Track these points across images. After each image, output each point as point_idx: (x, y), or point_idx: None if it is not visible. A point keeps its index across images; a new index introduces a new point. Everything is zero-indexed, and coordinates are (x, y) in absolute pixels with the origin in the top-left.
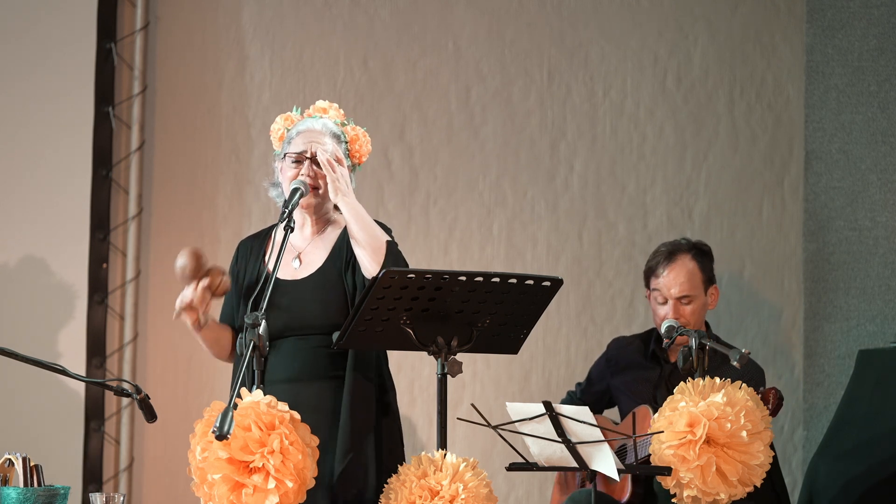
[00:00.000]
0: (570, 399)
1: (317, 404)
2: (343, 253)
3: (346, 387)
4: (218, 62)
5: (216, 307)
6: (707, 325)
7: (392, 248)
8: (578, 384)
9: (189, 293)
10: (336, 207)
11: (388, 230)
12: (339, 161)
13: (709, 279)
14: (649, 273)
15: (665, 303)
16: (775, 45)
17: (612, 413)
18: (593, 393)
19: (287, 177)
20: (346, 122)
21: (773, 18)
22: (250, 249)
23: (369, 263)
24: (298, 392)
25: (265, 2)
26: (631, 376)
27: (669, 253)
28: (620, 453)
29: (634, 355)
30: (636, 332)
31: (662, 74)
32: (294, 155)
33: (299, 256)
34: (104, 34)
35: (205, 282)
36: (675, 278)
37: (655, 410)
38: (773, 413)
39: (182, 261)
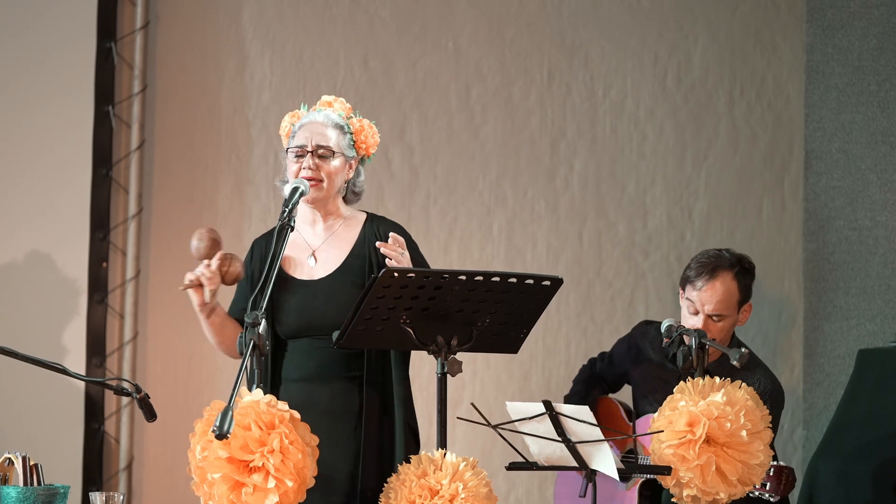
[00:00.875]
0: (591, 369)
1: (330, 405)
2: (365, 254)
3: (395, 389)
4: (218, 62)
5: (224, 297)
6: (733, 334)
7: None
8: (602, 355)
9: (201, 269)
10: (345, 199)
11: (414, 245)
12: (401, 245)
13: (744, 298)
14: (687, 281)
15: (696, 314)
16: (775, 45)
17: (626, 396)
18: (615, 375)
19: (291, 172)
20: (351, 116)
21: (774, 18)
22: (264, 248)
23: None
24: (312, 392)
25: (265, 2)
26: (649, 373)
27: (713, 268)
28: (629, 461)
29: (656, 352)
30: None
31: (662, 74)
32: (296, 149)
33: (314, 254)
34: (104, 34)
35: (216, 261)
36: (711, 296)
37: None
38: (784, 493)
39: (197, 242)
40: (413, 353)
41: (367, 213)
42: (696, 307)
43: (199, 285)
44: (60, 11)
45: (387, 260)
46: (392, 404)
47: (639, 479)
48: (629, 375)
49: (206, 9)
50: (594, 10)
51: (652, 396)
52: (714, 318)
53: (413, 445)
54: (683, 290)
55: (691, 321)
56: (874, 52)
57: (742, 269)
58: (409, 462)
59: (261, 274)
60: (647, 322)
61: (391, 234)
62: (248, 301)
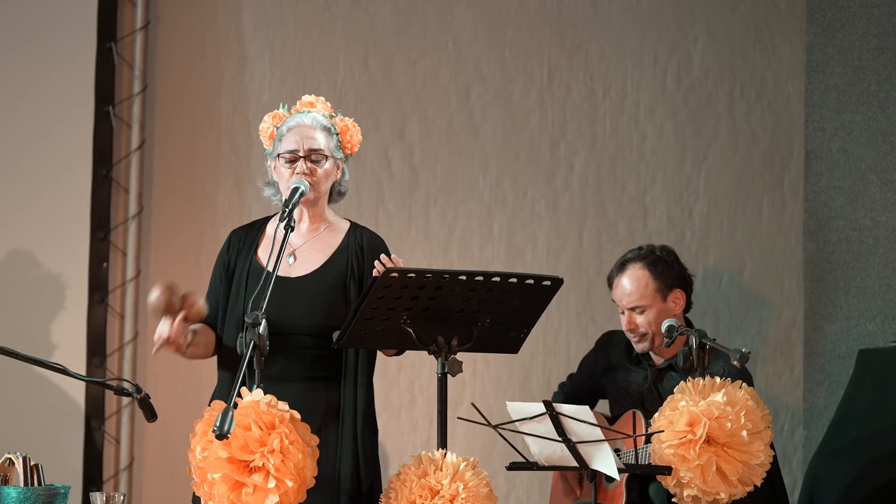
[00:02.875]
0: (561, 392)
1: (294, 405)
2: (346, 260)
3: (347, 391)
4: (218, 62)
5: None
6: (689, 322)
7: None
8: (570, 376)
9: (165, 329)
10: (329, 198)
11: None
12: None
13: (667, 285)
14: (608, 284)
15: (623, 313)
16: (775, 45)
17: (603, 407)
18: (585, 388)
19: (283, 176)
20: (334, 114)
21: (773, 18)
22: (242, 240)
23: None
24: (280, 392)
25: (265, 2)
26: (618, 378)
27: (621, 264)
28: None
29: (621, 356)
30: None
31: (662, 74)
32: (287, 154)
33: (294, 253)
34: (104, 34)
35: (181, 315)
36: (622, 289)
37: (645, 414)
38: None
39: (154, 296)
40: (413, 353)
41: (350, 221)
42: (619, 305)
43: (169, 343)
44: (60, 11)
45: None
46: (354, 406)
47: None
48: (602, 387)
49: (206, 9)
50: (594, 10)
51: (625, 397)
52: (635, 310)
53: (375, 448)
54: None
55: (622, 321)
56: (874, 52)
57: (654, 259)
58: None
59: (237, 266)
60: (609, 332)
61: (393, 256)
62: (221, 298)
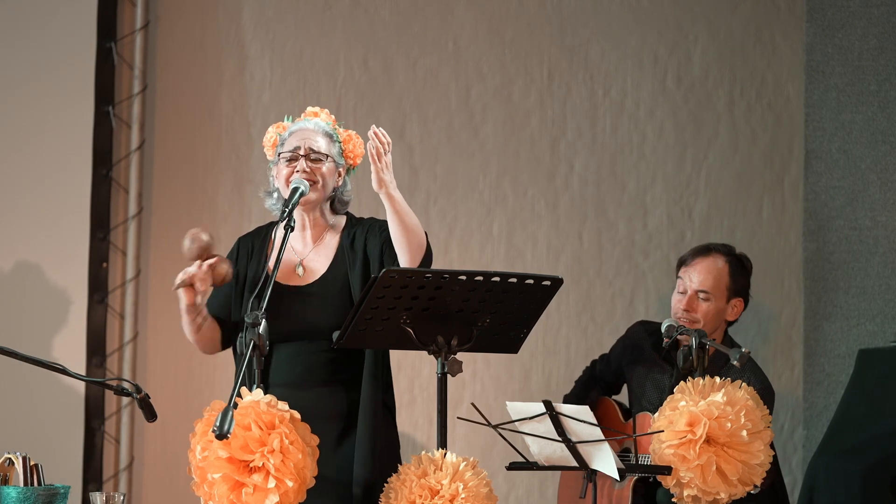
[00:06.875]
0: (591, 370)
1: (317, 408)
2: (345, 256)
3: (365, 393)
4: (218, 62)
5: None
6: (727, 333)
7: (429, 247)
8: (603, 356)
9: (193, 269)
10: (332, 209)
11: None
12: (386, 147)
13: (736, 290)
14: (680, 263)
15: (684, 292)
16: (775, 45)
17: (624, 397)
18: (613, 375)
19: (282, 176)
20: (337, 126)
21: (774, 17)
22: (251, 248)
23: (410, 258)
24: (300, 397)
25: (265, 1)
26: (644, 374)
27: (706, 248)
28: (625, 461)
29: (651, 352)
30: None
31: (662, 74)
32: (288, 153)
33: (302, 263)
34: (104, 34)
35: (211, 261)
36: (699, 271)
37: None
38: (765, 485)
39: (189, 243)
40: (413, 353)
41: (348, 215)
42: (684, 284)
43: (190, 286)
44: (60, 11)
45: (369, 145)
46: (374, 408)
47: (633, 477)
48: (626, 375)
49: (206, 9)
50: (594, 9)
51: (645, 397)
52: (700, 295)
53: (395, 449)
54: (678, 272)
55: (675, 301)
56: (874, 52)
57: (737, 260)
58: (393, 466)
59: (246, 272)
60: (642, 322)
61: (381, 131)
62: (225, 298)
